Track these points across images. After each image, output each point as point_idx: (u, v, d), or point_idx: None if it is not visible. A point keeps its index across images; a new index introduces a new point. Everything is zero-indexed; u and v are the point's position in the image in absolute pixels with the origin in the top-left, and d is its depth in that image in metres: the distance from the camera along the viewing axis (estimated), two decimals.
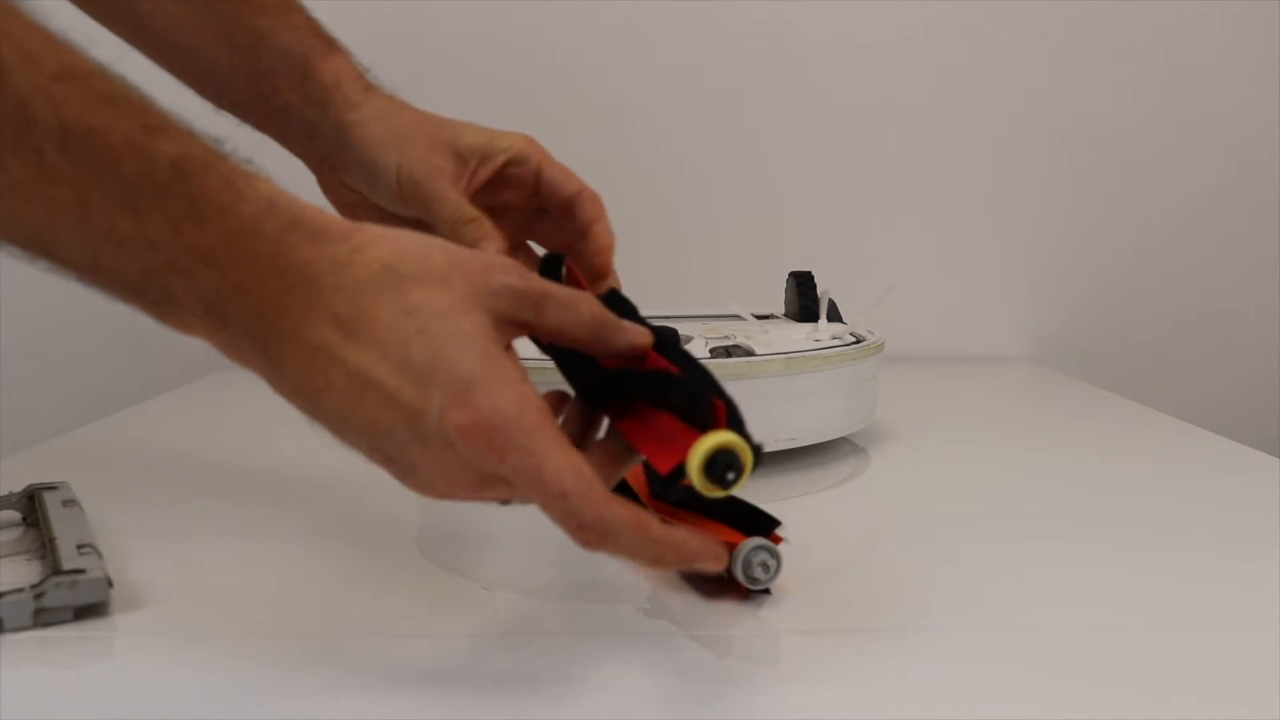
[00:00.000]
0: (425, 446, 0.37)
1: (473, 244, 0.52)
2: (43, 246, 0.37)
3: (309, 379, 0.38)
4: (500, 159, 0.57)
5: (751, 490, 0.49)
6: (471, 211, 0.54)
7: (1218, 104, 1.10)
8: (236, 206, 0.37)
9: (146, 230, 0.36)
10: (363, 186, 0.57)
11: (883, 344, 0.71)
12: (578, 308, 0.41)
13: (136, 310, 0.38)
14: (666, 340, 0.44)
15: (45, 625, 0.42)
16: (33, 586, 0.42)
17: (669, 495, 0.52)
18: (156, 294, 0.37)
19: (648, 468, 0.54)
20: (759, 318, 0.78)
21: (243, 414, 0.90)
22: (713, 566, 0.41)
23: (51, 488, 0.56)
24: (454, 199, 0.54)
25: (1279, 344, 1.13)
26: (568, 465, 0.37)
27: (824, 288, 0.76)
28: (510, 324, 0.40)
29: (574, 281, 0.51)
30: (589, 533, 0.37)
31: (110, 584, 0.43)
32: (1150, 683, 0.38)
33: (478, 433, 0.36)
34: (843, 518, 0.61)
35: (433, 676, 0.39)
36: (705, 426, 0.39)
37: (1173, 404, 0.87)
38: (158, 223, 0.36)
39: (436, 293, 0.38)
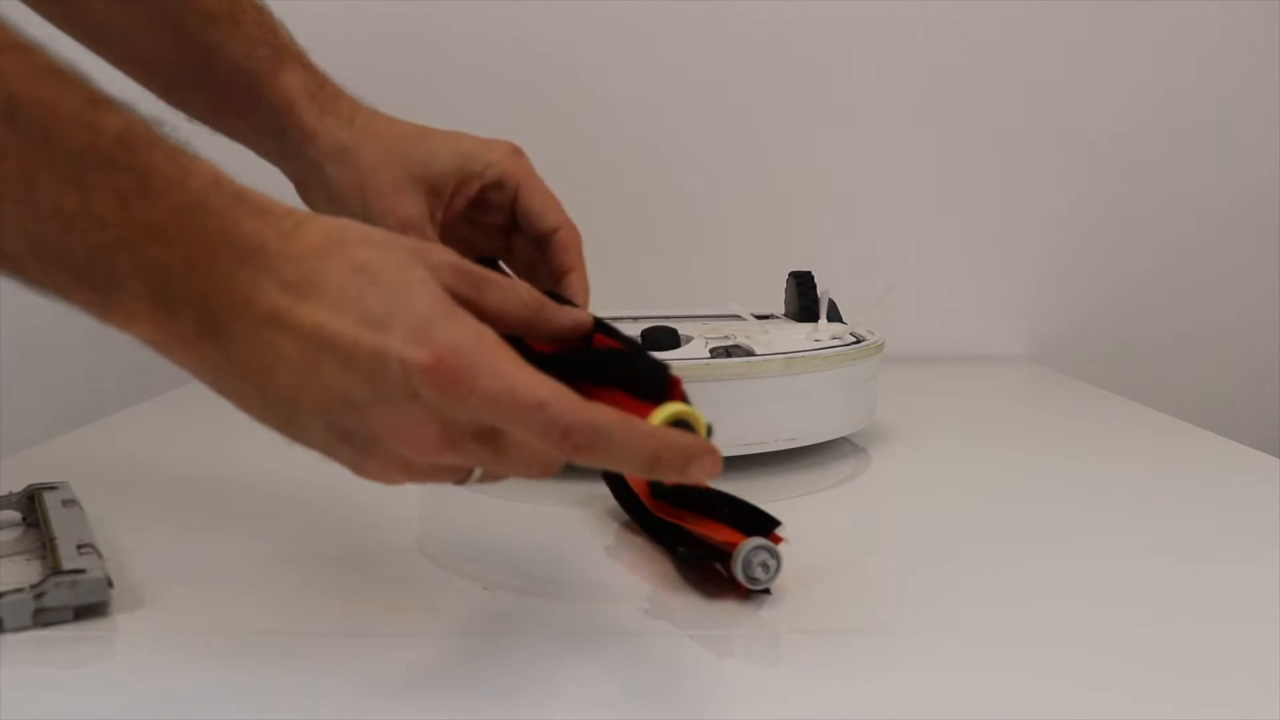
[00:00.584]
0: (386, 403, 0.36)
1: None
2: None
3: (259, 356, 0.37)
4: (475, 185, 0.56)
5: (752, 490, 0.49)
6: None
7: (1218, 104, 1.10)
8: (184, 181, 0.37)
9: (94, 206, 0.35)
10: (324, 200, 0.56)
11: (883, 344, 0.71)
12: (517, 290, 0.41)
13: (77, 308, 0.38)
14: (605, 324, 0.45)
15: (45, 625, 0.42)
16: (33, 586, 0.42)
17: (670, 496, 0.52)
18: (101, 278, 0.36)
19: None
20: (759, 318, 0.78)
21: (242, 414, 0.90)
22: (709, 466, 0.37)
23: (51, 488, 0.56)
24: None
25: (1279, 343, 1.13)
26: (540, 379, 0.35)
27: (824, 288, 0.76)
28: (452, 296, 0.39)
29: None
30: (577, 436, 0.35)
31: (110, 584, 0.43)
32: (1151, 683, 0.38)
33: (440, 368, 0.35)
34: (843, 518, 0.61)
35: (432, 677, 0.39)
36: (658, 399, 0.39)
37: (1173, 404, 0.87)
38: (105, 198, 0.36)
39: (382, 253, 0.38)
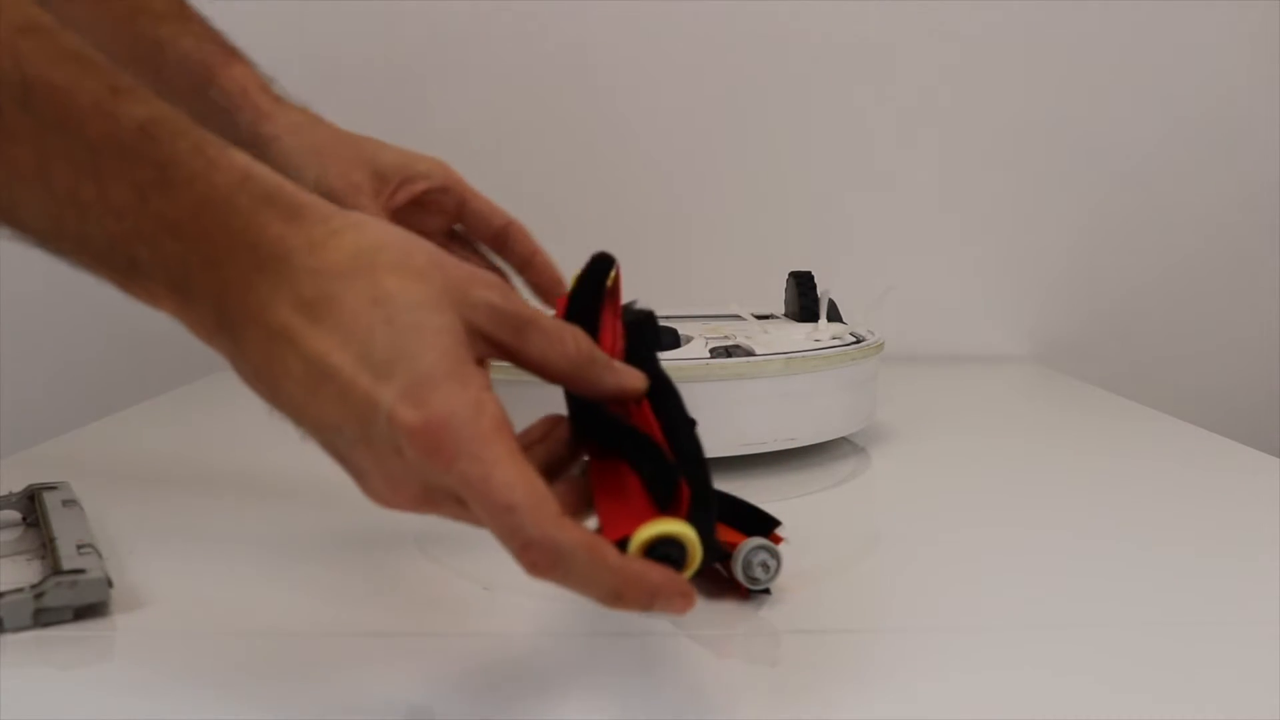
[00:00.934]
0: (371, 449, 0.35)
1: None
2: (2, 211, 0.36)
3: (269, 364, 0.35)
4: (421, 185, 0.57)
5: (752, 490, 0.49)
6: None
7: (1218, 104, 1.10)
8: (209, 175, 0.35)
9: (110, 197, 0.35)
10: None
11: (883, 344, 0.71)
12: (564, 341, 0.38)
13: (102, 279, 0.37)
14: (665, 392, 0.41)
15: (45, 625, 0.42)
16: (33, 586, 0.42)
17: None
18: (122, 262, 0.36)
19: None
20: (759, 318, 0.78)
21: (243, 414, 0.90)
22: (679, 607, 0.34)
23: (51, 488, 0.56)
24: (369, 209, 0.55)
25: (1278, 344, 1.13)
26: (520, 478, 0.33)
27: (824, 288, 0.76)
28: (485, 341, 0.37)
29: (615, 290, 0.47)
30: (536, 553, 0.33)
31: (110, 584, 0.43)
32: (1151, 682, 0.38)
33: (427, 435, 0.33)
34: (843, 518, 0.61)
35: (432, 676, 0.39)
36: (665, 506, 0.36)
37: (1173, 404, 0.87)
38: (122, 190, 0.35)
39: (411, 286, 0.35)
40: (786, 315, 0.80)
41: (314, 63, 1.04)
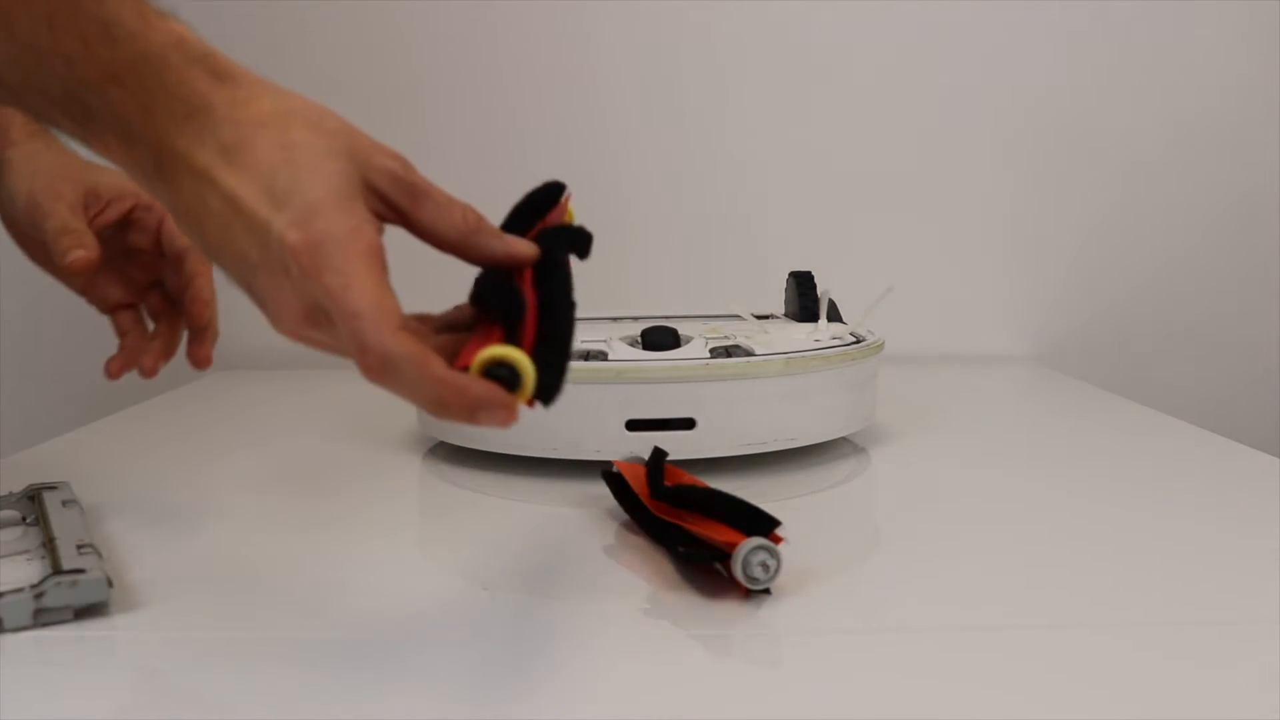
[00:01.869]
0: (269, 273, 0.39)
1: (65, 253, 0.57)
2: None
3: (195, 205, 0.40)
4: (129, 201, 0.62)
5: (752, 490, 0.49)
6: (75, 225, 0.58)
7: (1218, 104, 1.10)
8: (146, 34, 0.40)
9: (62, 45, 0.39)
10: (7, 212, 0.61)
11: (883, 344, 0.71)
12: (454, 211, 0.43)
13: (67, 133, 0.42)
14: (551, 266, 0.45)
15: (45, 625, 0.42)
16: (33, 586, 0.42)
17: (670, 496, 0.52)
18: (78, 110, 0.40)
19: (649, 471, 0.54)
20: (759, 318, 0.78)
21: (243, 414, 0.90)
22: (501, 419, 0.38)
23: (51, 488, 0.56)
24: (63, 214, 0.59)
25: (1279, 343, 1.13)
26: (371, 292, 0.38)
27: (824, 288, 0.76)
28: (381, 201, 0.41)
29: (560, 216, 0.52)
30: (370, 358, 0.37)
31: (110, 584, 0.43)
32: (1151, 682, 0.38)
33: (306, 252, 0.38)
34: (843, 518, 0.61)
35: (433, 677, 0.39)
36: (512, 340, 0.40)
37: (1173, 404, 0.87)
38: (71, 39, 0.39)
39: (318, 139, 0.40)
40: (786, 315, 0.80)
41: (312, 58, 1.04)
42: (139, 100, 0.40)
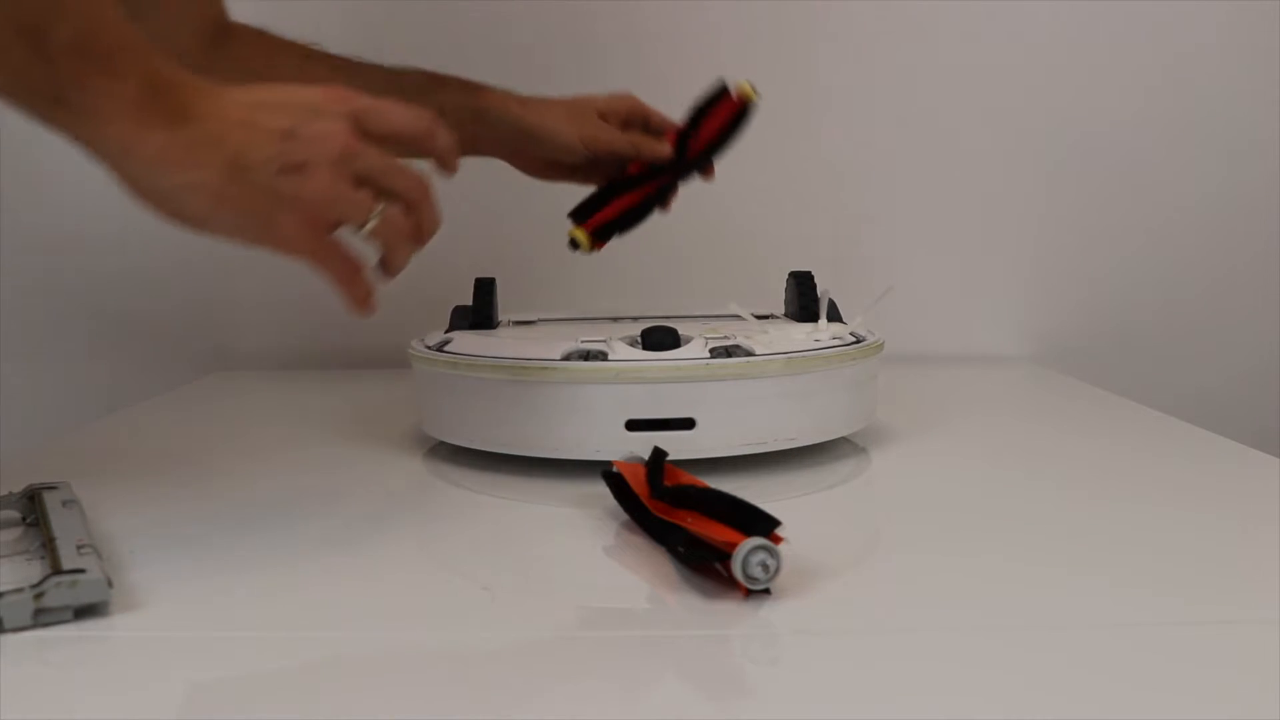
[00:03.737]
0: (310, 122, 0.49)
1: (649, 156, 0.80)
2: None
3: (218, 125, 0.48)
4: (621, 112, 0.84)
5: (752, 490, 0.49)
6: (636, 137, 0.82)
7: (1218, 103, 1.10)
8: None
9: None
10: (549, 153, 0.81)
11: (883, 344, 0.71)
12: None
13: (56, 129, 0.46)
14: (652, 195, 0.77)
15: (45, 625, 0.42)
16: (33, 586, 0.42)
17: (670, 496, 0.52)
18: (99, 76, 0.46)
19: (649, 471, 0.54)
20: (759, 318, 0.78)
21: (243, 414, 0.90)
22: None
23: (51, 488, 0.56)
24: (624, 140, 0.81)
25: (1278, 343, 1.13)
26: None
27: (824, 288, 0.76)
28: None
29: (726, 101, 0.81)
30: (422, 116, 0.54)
31: (110, 584, 0.43)
32: (1151, 682, 0.38)
33: (335, 92, 0.51)
34: (843, 518, 0.61)
35: (432, 676, 0.39)
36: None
37: (1172, 404, 0.87)
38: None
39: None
40: (786, 315, 0.80)
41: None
42: (158, 59, 0.47)
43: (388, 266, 0.54)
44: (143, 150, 0.46)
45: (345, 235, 0.52)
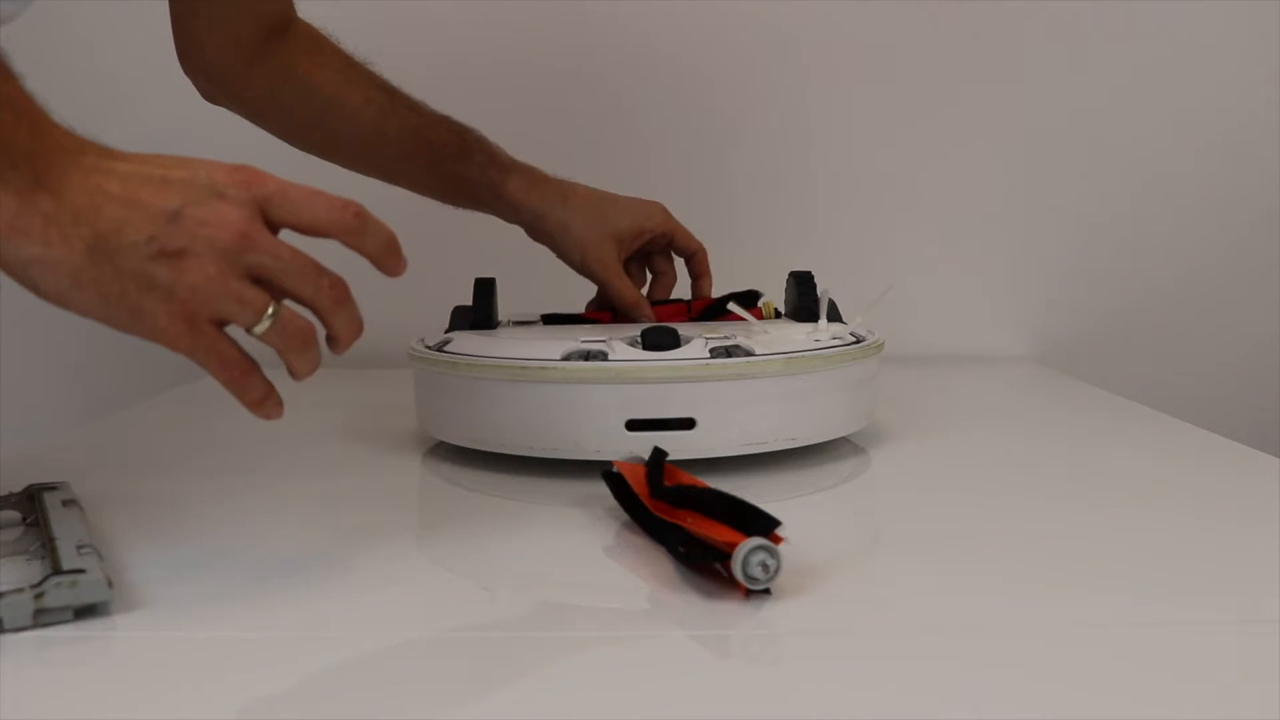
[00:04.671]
0: (198, 205, 0.44)
1: (641, 318, 0.79)
2: None
3: (88, 197, 0.44)
4: (646, 236, 0.83)
5: (752, 490, 0.49)
6: (636, 296, 0.80)
7: (1218, 102, 1.10)
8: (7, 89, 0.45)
9: None
10: (554, 253, 0.82)
11: (883, 344, 0.71)
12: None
13: None
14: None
15: (45, 625, 0.42)
16: (33, 586, 0.42)
17: (670, 496, 0.52)
18: None
19: (649, 471, 0.54)
20: (759, 318, 0.78)
21: (243, 414, 0.90)
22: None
23: (51, 488, 0.56)
24: (625, 286, 0.80)
25: (1278, 343, 1.13)
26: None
27: (824, 288, 0.76)
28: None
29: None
30: (346, 207, 0.47)
31: (110, 584, 0.43)
32: (1151, 682, 0.38)
33: (243, 171, 0.45)
34: (843, 518, 0.61)
35: (433, 676, 0.39)
36: None
37: (1173, 404, 0.87)
38: None
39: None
40: (786, 315, 0.80)
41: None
42: (28, 123, 0.45)
43: (293, 374, 0.48)
44: None
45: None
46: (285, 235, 0.46)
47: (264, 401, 0.48)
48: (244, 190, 0.45)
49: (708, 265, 0.85)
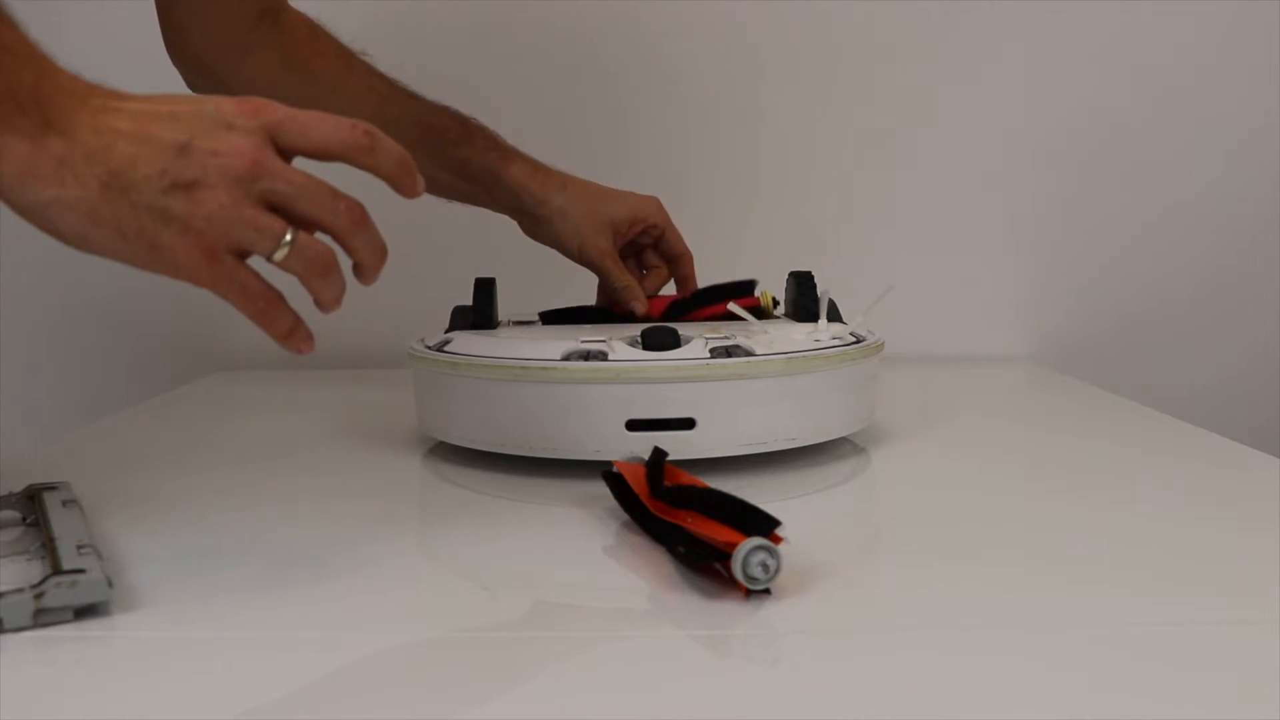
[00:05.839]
0: (207, 136, 0.44)
1: (630, 305, 0.80)
2: None
3: (99, 135, 0.44)
4: (640, 225, 0.83)
5: (752, 490, 0.49)
6: (628, 280, 0.81)
7: (1218, 102, 1.10)
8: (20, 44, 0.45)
9: None
10: (550, 245, 0.83)
11: (883, 344, 0.71)
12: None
13: None
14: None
15: (45, 625, 0.42)
16: (33, 586, 0.42)
17: (670, 496, 0.52)
18: None
19: (649, 471, 0.54)
20: (759, 318, 0.78)
21: (242, 414, 0.90)
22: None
23: (51, 488, 0.56)
24: (621, 272, 0.81)
25: (1278, 343, 1.13)
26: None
27: (824, 288, 0.76)
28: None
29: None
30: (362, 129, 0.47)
31: (110, 584, 0.43)
32: (1151, 682, 0.38)
33: (249, 102, 0.46)
34: (843, 518, 0.61)
35: (433, 677, 0.39)
36: None
37: (1173, 404, 0.87)
38: None
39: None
40: (786, 315, 0.80)
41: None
42: (32, 70, 0.44)
43: (319, 303, 0.48)
44: (5, 163, 0.43)
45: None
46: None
47: (293, 333, 0.47)
48: (252, 118, 0.45)
49: (693, 270, 0.85)
